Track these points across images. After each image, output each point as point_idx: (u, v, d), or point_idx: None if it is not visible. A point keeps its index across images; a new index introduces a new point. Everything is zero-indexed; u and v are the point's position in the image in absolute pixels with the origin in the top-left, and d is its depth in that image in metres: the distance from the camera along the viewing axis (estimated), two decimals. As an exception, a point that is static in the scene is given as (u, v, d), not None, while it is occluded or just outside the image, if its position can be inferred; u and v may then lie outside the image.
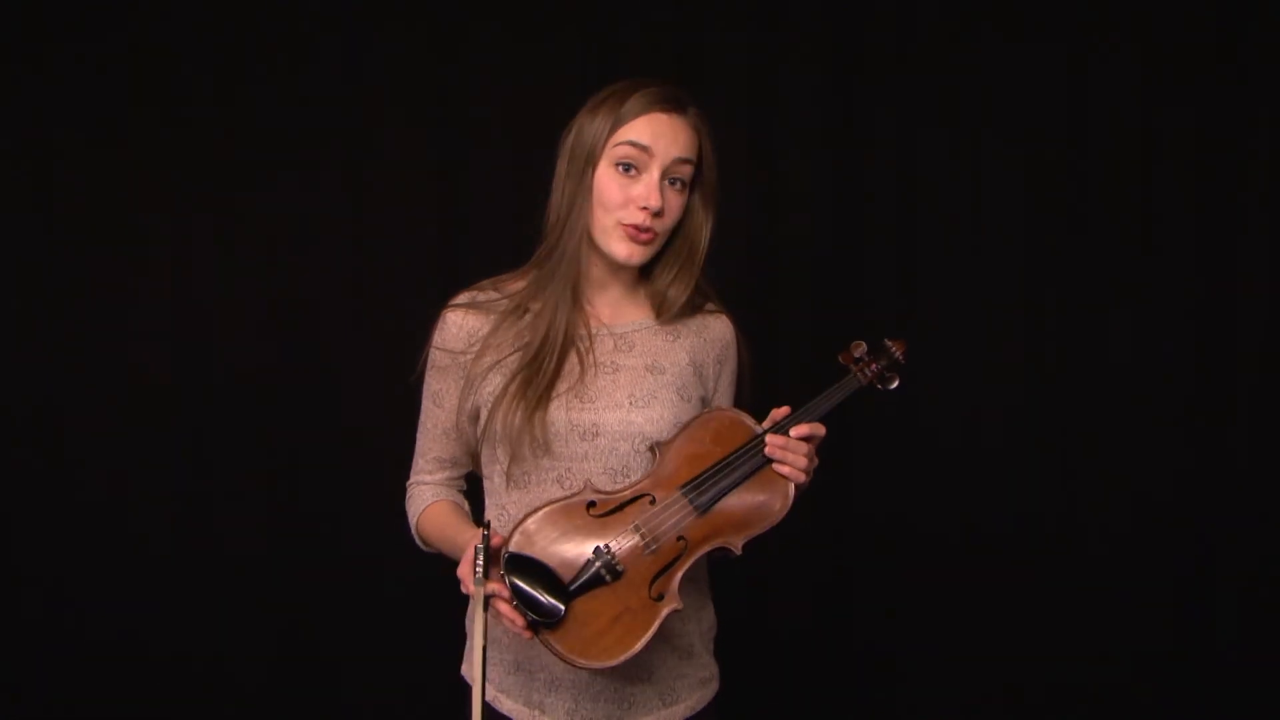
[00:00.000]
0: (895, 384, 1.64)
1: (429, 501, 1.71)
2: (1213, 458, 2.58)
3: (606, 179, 1.57)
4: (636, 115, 1.57)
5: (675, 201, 1.60)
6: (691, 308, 1.71)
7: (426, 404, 1.71)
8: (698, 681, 1.69)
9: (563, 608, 1.46)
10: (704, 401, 1.70)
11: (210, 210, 2.54)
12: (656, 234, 1.59)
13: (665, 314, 1.68)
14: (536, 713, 1.63)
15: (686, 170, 1.59)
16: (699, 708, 1.69)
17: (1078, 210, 2.56)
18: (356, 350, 2.56)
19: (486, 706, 1.64)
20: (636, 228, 1.57)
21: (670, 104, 1.58)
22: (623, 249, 1.59)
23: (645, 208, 1.56)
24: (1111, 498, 2.60)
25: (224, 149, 2.53)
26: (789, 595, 2.63)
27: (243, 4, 2.50)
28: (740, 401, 1.77)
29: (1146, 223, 2.56)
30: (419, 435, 1.73)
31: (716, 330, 1.73)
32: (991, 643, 2.64)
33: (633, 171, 1.57)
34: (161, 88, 2.51)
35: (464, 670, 1.74)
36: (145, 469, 2.57)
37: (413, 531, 1.73)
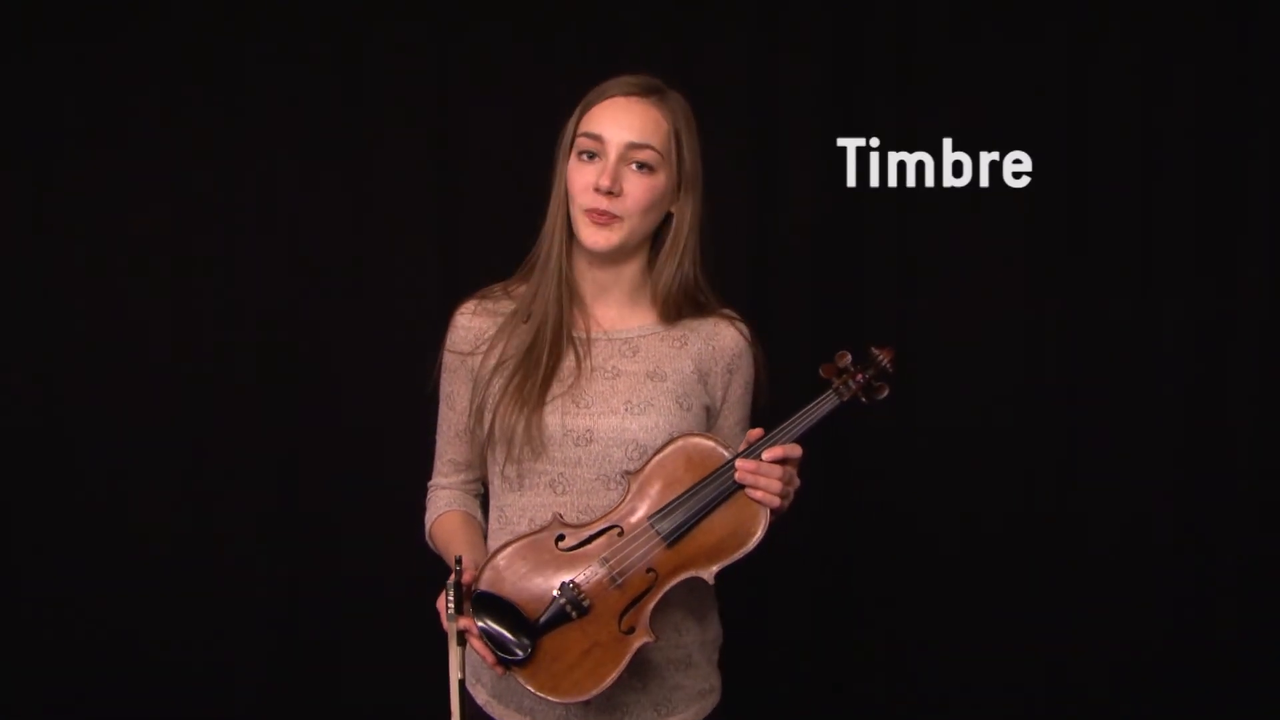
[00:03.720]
0: (884, 394, 1.58)
1: (443, 510, 1.71)
2: (1213, 457, 2.58)
3: (571, 169, 1.59)
4: (596, 104, 1.59)
5: (637, 184, 1.57)
6: (697, 307, 1.69)
7: (442, 407, 1.71)
8: (696, 693, 1.67)
9: (529, 646, 1.46)
10: (708, 410, 1.67)
11: (210, 211, 2.54)
12: (619, 218, 1.57)
13: (661, 305, 1.66)
14: (528, 719, 1.63)
15: (647, 154, 1.57)
16: None
17: (1078, 211, 2.56)
18: (357, 351, 2.56)
19: (479, 710, 1.65)
20: (595, 211, 1.57)
21: (632, 88, 1.59)
22: (588, 235, 1.58)
23: (596, 188, 1.55)
24: (1111, 497, 2.60)
25: (224, 149, 2.53)
26: (790, 602, 2.63)
27: (243, 3, 2.50)
28: (756, 413, 1.74)
29: (1147, 222, 2.56)
30: (437, 438, 1.73)
31: (728, 339, 1.69)
32: (993, 649, 2.63)
33: (594, 159, 1.57)
34: (161, 87, 2.51)
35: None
36: (145, 470, 2.57)
37: (426, 534, 1.74)
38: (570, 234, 1.61)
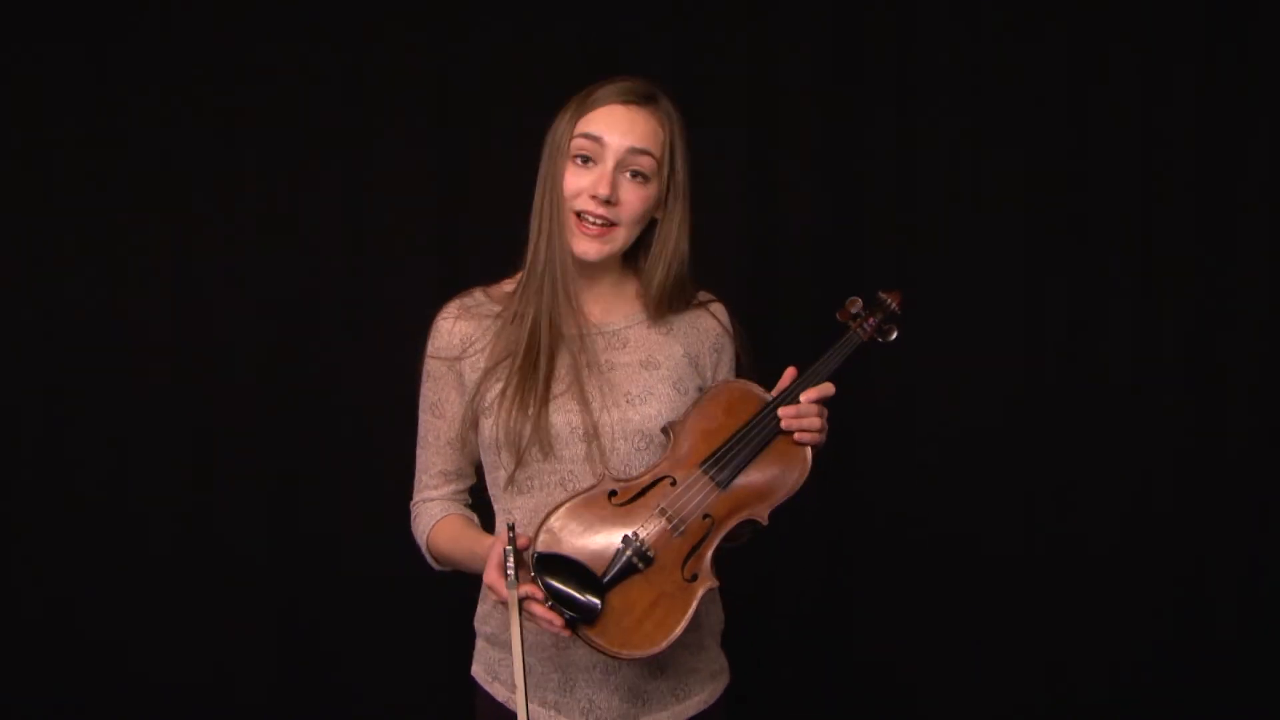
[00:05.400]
0: (894, 335, 1.66)
1: (437, 518, 1.68)
2: (1212, 457, 2.59)
3: (567, 172, 1.59)
4: (595, 108, 1.58)
5: (633, 193, 1.59)
6: (683, 303, 1.71)
7: (425, 417, 1.69)
8: (709, 675, 1.70)
9: (599, 602, 1.44)
10: (701, 391, 1.69)
11: (210, 211, 2.54)
12: (613, 226, 1.59)
13: (650, 307, 1.67)
14: (552, 712, 1.63)
15: (644, 162, 1.58)
16: (711, 701, 1.70)
17: (1077, 210, 2.57)
18: (357, 351, 2.55)
19: (500, 707, 1.65)
20: (589, 218, 1.57)
21: (631, 95, 1.59)
22: (579, 244, 1.59)
23: (594, 196, 1.56)
24: (1110, 497, 2.61)
25: (224, 149, 2.52)
26: (792, 589, 2.63)
27: (243, 3, 2.50)
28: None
29: (1146, 221, 2.57)
30: (419, 451, 1.71)
31: (709, 321, 1.73)
32: (992, 635, 2.64)
33: (590, 163, 1.58)
34: (161, 86, 2.50)
35: (474, 670, 1.74)
36: (145, 471, 2.56)
37: (424, 551, 1.71)
38: (558, 235, 1.60)
